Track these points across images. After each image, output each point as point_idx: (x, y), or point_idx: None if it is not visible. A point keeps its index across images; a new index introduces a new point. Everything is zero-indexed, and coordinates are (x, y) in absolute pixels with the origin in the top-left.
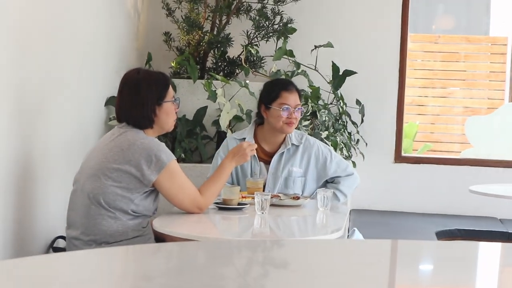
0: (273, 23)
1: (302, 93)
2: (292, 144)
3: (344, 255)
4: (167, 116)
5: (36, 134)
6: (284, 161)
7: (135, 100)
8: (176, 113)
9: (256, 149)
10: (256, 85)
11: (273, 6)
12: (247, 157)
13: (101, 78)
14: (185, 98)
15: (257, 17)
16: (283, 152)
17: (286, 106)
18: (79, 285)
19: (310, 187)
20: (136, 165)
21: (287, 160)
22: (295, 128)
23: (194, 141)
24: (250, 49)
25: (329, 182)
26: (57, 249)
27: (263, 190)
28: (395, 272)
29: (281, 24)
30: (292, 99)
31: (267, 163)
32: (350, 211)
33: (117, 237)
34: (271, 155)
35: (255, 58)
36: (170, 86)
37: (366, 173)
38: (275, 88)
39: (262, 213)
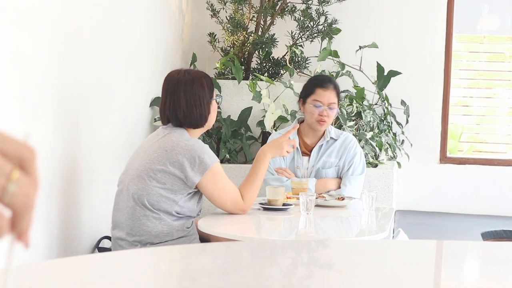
0: (317, 23)
1: (346, 93)
2: (331, 138)
3: (389, 256)
4: (214, 114)
5: (81, 135)
6: (321, 153)
7: (192, 100)
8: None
9: (299, 143)
10: (301, 85)
11: (318, 7)
12: (283, 150)
13: (146, 79)
14: (230, 98)
15: (301, 18)
16: (321, 145)
17: (319, 103)
18: (124, 284)
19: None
20: (179, 166)
21: (324, 151)
22: (336, 127)
23: (239, 142)
24: (295, 49)
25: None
26: (102, 250)
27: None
28: (441, 273)
29: (325, 24)
30: (326, 96)
31: (308, 156)
32: (395, 212)
33: (162, 238)
34: (312, 149)
35: (299, 58)
36: None
37: (411, 173)
38: (312, 84)
39: (307, 213)
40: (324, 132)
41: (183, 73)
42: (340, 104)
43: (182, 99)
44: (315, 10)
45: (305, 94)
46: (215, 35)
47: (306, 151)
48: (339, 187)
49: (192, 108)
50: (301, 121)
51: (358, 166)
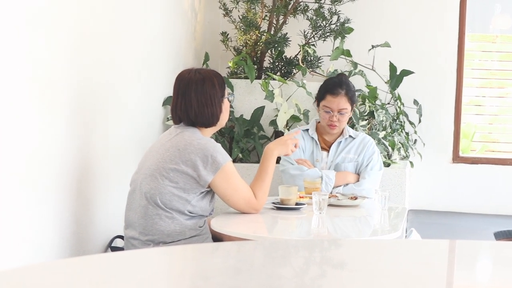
0: (330, 22)
1: (359, 93)
2: (349, 136)
3: (402, 255)
4: (226, 112)
5: (94, 134)
6: (340, 149)
7: (203, 99)
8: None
9: (318, 139)
10: (313, 85)
11: (330, 6)
12: (288, 148)
13: (158, 78)
14: (243, 98)
15: (314, 17)
16: (340, 142)
17: (328, 109)
18: (137, 284)
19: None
20: (192, 165)
21: (343, 148)
22: (354, 129)
23: (251, 141)
24: (307, 49)
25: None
26: (115, 249)
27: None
28: (453, 273)
29: (338, 23)
30: (335, 103)
31: (327, 151)
32: (408, 211)
33: (175, 237)
34: (331, 145)
35: (312, 58)
36: None
37: (423, 173)
38: (323, 89)
39: (320, 213)
40: (342, 131)
41: (194, 73)
42: (354, 105)
43: (193, 99)
44: (328, 9)
45: (318, 98)
46: (228, 34)
47: (325, 146)
48: (358, 181)
49: (203, 107)
50: (318, 121)
51: (376, 163)
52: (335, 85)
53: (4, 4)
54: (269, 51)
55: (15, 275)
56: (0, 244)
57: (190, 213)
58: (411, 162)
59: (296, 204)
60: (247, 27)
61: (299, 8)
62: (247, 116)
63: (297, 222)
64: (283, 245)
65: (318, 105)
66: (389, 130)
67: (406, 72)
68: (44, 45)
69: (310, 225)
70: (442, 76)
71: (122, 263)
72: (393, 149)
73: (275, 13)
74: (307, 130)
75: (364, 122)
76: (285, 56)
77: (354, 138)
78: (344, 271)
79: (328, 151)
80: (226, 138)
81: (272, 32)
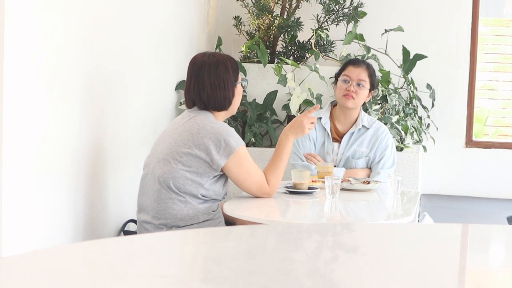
0: (343, 7)
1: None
2: (363, 126)
3: (415, 240)
4: (239, 97)
5: (107, 119)
6: (352, 141)
7: (216, 82)
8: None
9: (331, 129)
10: (326, 69)
11: None
12: (304, 129)
13: (171, 62)
14: (255, 82)
15: (327, 1)
16: (353, 132)
17: (347, 78)
18: (150, 267)
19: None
20: (205, 149)
21: (355, 139)
22: (367, 113)
23: (264, 125)
24: (320, 33)
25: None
26: (128, 233)
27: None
28: (466, 257)
29: (351, 8)
30: (356, 72)
31: (339, 142)
32: (421, 195)
33: (188, 221)
34: (343, 136)
35: (325, 42)
36: None
37: (436, 157)
38: (345, 63)
39: (333, 197)
40: (356, 119)
41: (208, 56)
42: (373, 91)
43: (206, 81)
44: None
45: (338, 73)
46: (241, 19)
47: (337, 137)
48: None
49: (216, 90)
50: (334, 105)
51: (389, 159)
52: (358, 59)
53: None
54: (282, 35)
55: (28, 259)
56: (14, 228)
57: (204, 196)
58: (424, 147)
59: (309, 188)
60: (260, 12)
61: None
62: (260, 101)
63: (310, 206)
64: (296, 229)
65: (336, 82)
66: (402, 114)
67: (419, 56)
68: (55, 30)
69: (323, 209)
70: (456, 60)
71: (135, 247)
72: (406, 133)
73: None
74: (320, 118)
75: (377, 107)
76: (298, 41)
77: (368, 129)
78: (357, 255)
79: (339, 142)
80: (239, 122)
81: (285, 16)
